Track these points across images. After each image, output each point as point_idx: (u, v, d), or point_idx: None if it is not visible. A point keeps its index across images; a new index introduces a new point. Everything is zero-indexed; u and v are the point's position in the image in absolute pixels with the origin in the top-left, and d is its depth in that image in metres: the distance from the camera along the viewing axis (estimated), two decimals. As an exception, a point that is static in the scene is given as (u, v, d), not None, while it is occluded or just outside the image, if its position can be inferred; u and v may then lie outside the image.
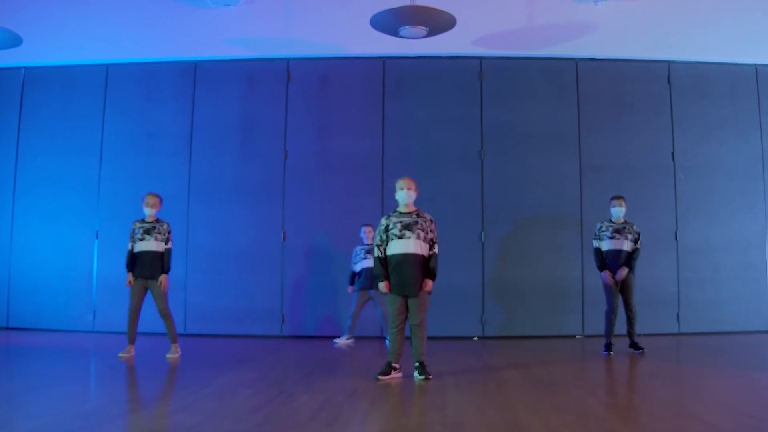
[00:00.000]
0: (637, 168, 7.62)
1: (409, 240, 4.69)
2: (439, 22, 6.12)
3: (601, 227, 6.19)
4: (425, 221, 4.78)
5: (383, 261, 4.76)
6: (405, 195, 4.80)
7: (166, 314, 5.77)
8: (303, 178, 7.64)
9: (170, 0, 6.93)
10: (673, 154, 7.69)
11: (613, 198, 6.23)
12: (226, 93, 7.79)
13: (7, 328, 7.69)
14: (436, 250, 4.79)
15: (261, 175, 7.65)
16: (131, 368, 5.25)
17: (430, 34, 6.29)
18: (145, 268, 5.74)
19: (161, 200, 5.94)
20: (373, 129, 7.66)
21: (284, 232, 7.59)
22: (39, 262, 7.73)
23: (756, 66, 7.84)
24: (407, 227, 4.72)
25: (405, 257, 4.67)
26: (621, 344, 6.16)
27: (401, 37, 6.32)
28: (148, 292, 5.82)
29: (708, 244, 7.61)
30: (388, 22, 6.12)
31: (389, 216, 4.83)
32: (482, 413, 3.59)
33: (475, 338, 7.40)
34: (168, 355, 5.71)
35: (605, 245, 6.12)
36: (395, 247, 4.71)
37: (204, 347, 6.52)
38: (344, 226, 7.42)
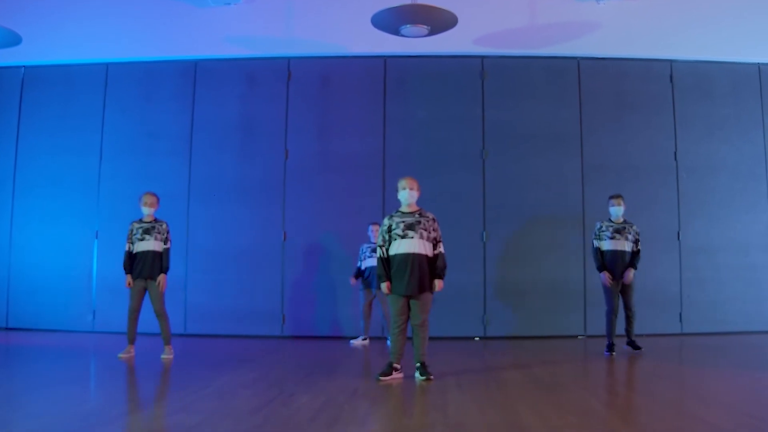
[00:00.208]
0: (639, 167, 7.60)
1: (412, 240, 4.67)
2: (440, 21, 6.11)
3: (601, 227, 6.17)
4: (428, 221, 4.76)
5: (386, 261, 4.74)
6: (407, 195, 4.78)
7: (161, 314, 5.75)
8: (304, 177, 7.62)
9: (170, -1, 6.92)
10: (675, 153, 7.67)
11: (612, 197, 6.21)
12: (226, 92, 7.77)
13: (7, 329, 7.67)
14: (441, 249, 4.76)
15: (261, 175, 7.63)
16: (131, 369, 5.23)
17: (432, 33, 6.27)
18: (146, 268, 5.71)
19: (159, 199, 5.92)
20: (374, 128, 7.64)
21: (285, 232, 7.57)
22: (39, 262, 7.71)
23: (759, 65, 7.81)
24: (410, 227, 4.70)
25: (408, 257, 4.65)
26: (620, 343, 6.16)
27: (402, 36, 6.31)
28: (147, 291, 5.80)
29: (710, 244, 7.58)
30: (390, 21, 6.11)
31: (392, 216, 4.81)
32: (483, 414, 3.57)
33: (477, 338, 7.38)
34: (162, 356, 5.69)
35: (606, 245, 6.09)
36: (398, 247, 4.69)
37: (204, 347, 6.50)
38: (345, 225, 7.41)
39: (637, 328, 6.23)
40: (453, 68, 7.72)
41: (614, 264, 6.03)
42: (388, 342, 5.53)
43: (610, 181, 7.40)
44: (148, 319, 5.88)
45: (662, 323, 7.40)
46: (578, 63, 7.72)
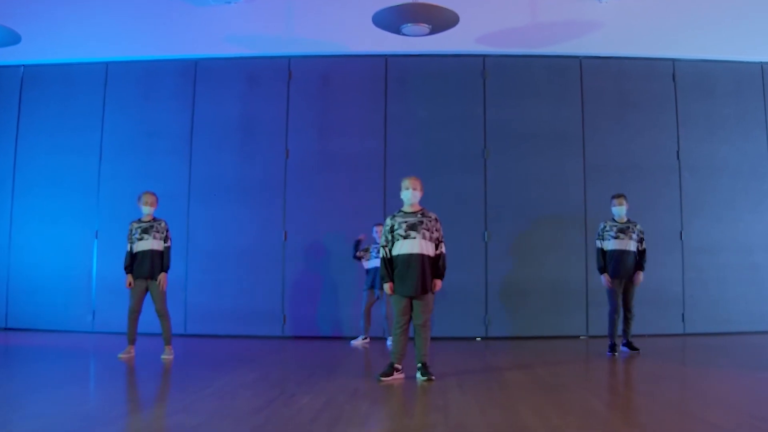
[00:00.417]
0: (642, 167, 7.57)
1: (414, 240, 4.65)
2: (441, 20, 6.09)
3: (605, 227, 6.13)
4: (430, 220, 4.73)
5: (389, 262, 4.71)
6: (410, 195, 4.75)
7: (163, 314, 5.72)
8: (304, 177, 7.59)
9: (171, -3, 6.91)
10: (678, 152, 7.64)
11: (614, 197, 6.17)
12: (226, 91, 7.74)
13: (6, 329, 7.64)
14: (443, 249, 4.75)
15: (262, 174, 7.61)
16: (131, 369, 5.21)
17: (433, 31, 6.26)
18: (146, 267, 5.68)
19: (158, 199, 5.90)
20: (375, 128, 7.61)
21: (285, 232, 7.55)
22: (38, 262, 7.69)
23: (761, 64, 7.78)
24: (412, 227, 4.67)
25: (410, 257, 4.62)
26: (619, 344, 6.12)
27: (404, 34, 6.30)
28: (149, 291, 5.77)
29: (713, 244, 7.55)
30: (391, 20, 6.10)
31: (394, 216, 4.79)
32: (485, 414, 3.55)
33: (478, 339, 7.35)
34: (163, 356, 5.66)
35: (609, 245, 6.06)
36: (401, 248, 4.67)
37: (204, 348, 6.48)
38: (346, 225, 7.38)
39: (639, 329, 6.22)
40: (454, 67, 7.69)
41: (619, 263, 6.00)
42: (388, 343, 5.51)
43: (613, 180, 7.37)
44: (148, 320, 5.86)
45: (665, 323, 7.37)
46: (580, 62, 7.69)
